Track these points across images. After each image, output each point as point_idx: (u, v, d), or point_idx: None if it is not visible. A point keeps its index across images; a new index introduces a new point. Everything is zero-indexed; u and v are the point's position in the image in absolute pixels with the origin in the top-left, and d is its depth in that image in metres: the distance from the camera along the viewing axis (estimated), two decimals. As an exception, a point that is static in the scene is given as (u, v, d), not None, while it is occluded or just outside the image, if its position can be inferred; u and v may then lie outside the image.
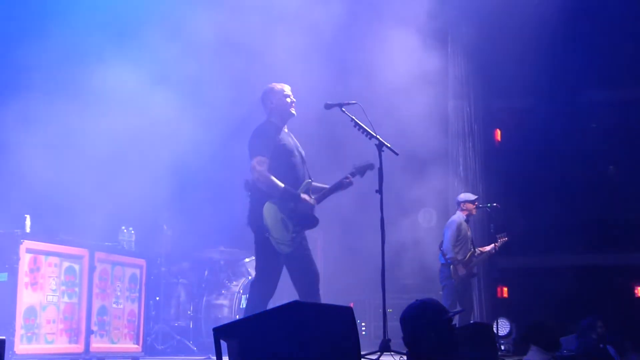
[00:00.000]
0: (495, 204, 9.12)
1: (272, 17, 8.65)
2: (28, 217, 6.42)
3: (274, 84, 6.00)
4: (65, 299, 6.60)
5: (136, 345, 7.47)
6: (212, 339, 3.89)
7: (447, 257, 8.84)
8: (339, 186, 5.93)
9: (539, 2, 10.06)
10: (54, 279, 6.48)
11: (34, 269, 6.29)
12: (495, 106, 12.55)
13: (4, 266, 6.11)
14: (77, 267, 6.74)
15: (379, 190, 5.82)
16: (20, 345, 6.06)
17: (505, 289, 11.27)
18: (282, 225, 5.64)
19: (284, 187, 5.62)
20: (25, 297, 6.17)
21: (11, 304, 6.04)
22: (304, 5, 8.49)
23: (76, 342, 6.69)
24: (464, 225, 8.98)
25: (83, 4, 7.83)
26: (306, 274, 5.74)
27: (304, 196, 5.71)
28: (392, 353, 5.51)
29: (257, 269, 5.87)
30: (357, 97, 6.09)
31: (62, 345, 6.54)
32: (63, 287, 6.58)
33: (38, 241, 6.38)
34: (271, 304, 5.52)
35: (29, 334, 6.18)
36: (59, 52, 7.36)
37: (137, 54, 7.83)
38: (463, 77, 11.45)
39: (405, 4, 9.19)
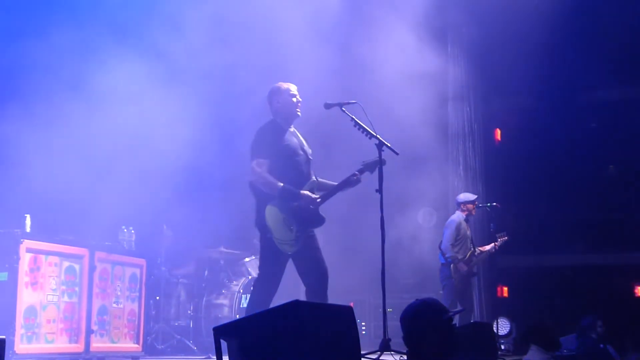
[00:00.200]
0: (495, 204, 9.13)
1: (272, 17, 8.65)
2: (28, 216, 6.42)
3: (280, 83, 5.99)
4: (66, 298, 6.60)
5: (136, 345, 7.47)
6: (212, 339, 3.89)
7: (446, 256, 8.84)
8: (347, 183, 5.89)
9: (539, 2, 10.07)
10: (54, 279, 6.48)
11: (34, 268, 6.29)
12: (495, 106, 12.55)
13: (4, 266, 6.11)
14: (77, 266, 6.74)
15: (379, 190, 5.82)
16: (20, 345, 6.06)
17: (505, 289, 11.28)
18: (284, 226, 5.64)
19: (282, 186, 5.62)
20: (26, 297, 6.17)
21: (11, 304, 6.04)
22: (303, 5, 8.49)
23: (76, 341, 6.69)
24: (464, 225, 8.98)
25: (84, 2, 7.82)
26: (313, 272, 5.74)
27: (305, 192, 5.70)
28: (392, 352, 5.51)
29: (260, 267, 5.89)
30: (357, 96, 6.09)
31: (62, 344, 6.54)
32: (63, 287, 6.58)
33: (38, 241, 6.38)
34: (271, 304, 5.52)
35: (29, 334, 6.18)
36: (60, 50, 7.36)
37: (137, 52, 7.82)
38: (463, 76, 11.45)
39: (405, 4, 9.18)
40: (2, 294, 6.05)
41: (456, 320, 8.20)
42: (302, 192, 5.69)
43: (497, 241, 9.00)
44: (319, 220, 5.79)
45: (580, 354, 8.16)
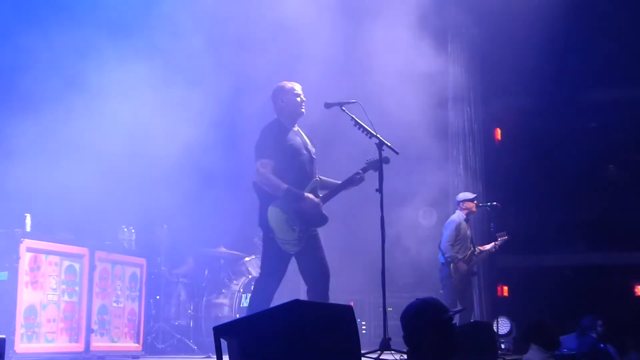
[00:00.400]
0: (495, 203, 9.12)
1: (271, 16, 8.65)
2: (28, 216, 6.42)
3: (284, 82, 5.97)
4: (66, 297, 6.60)
5: (136, 344, 7.48)
6: (212, 338, 3.89)
7: (446, 256, 8.84)
8: (350, 182, 5.90)
9: (539, 2, 10.07)
10: (54, 278, 6.48)
11: (34, 267, 6.29)
12: (496, 106, 12.55)
13: (4, 265, 6.11)
14: (77, 266, 6.75)
15: (379, 189, 5.82)
16: (20, 344, 6.06)
17: (505, 288, 11.28)
18: (287, 226, 5.65)
19: (286, 188, 5.62)
20: (26, 296, 6.18)
21: (11, 303, 6.05)
22: (302, 4, 8.49)
23: (76, 341, 6.69)
24: (463, 224, 8.98)
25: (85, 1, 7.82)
26: (315, 272, 5.75)
27: (308, 195, 5.71)
28: (392, 352, 5.51)
29: (261, 267, 5.89)
30: (357, 96, 6.09)
31: (63, 344, 6.54)
32: (63, 286, 6.58)
33: (38, 240, 6.38)
34: (272, 303, 5.52)
35: (29, 333, 6.19)
36: (61, 49, 7.35)
37: (137, 51, 7.81)
38: (463, 76, 11.45)
39: (405, 3, 9.18)
40: (2, 294, 6.05)
41: (456, 319, 8.22)
42: (305, 194, 5.69)
43: (497, 240, 9.00)
44: (322, 220, 5.79)
45: (580, 353, 8.17)
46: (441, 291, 9.10)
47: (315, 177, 5.86)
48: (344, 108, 5.98)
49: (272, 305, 5.31)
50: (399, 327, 3.93)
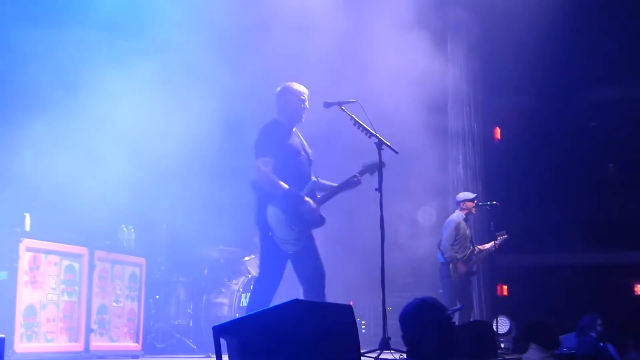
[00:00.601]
0: (494, 202, 9.13)
1: (270, 16, 8.65)
2: (27, 215, 6.41)
3: (293, 83, 5.95)
4: (65, 297, 6.60)
5: (136, 344, 7.47)
6: (211, 338, 3.89)
7: (445, 256, 8.84)
8: (347, 185, 5.92)
9: (539, 1, 10.07)
10: (53, 278, 6.48)
11: (34, 267, 6.29)
12: (495, 105, 12.55)
13: (3, 265, 6.10)
14: (76, 265, 6.74)
15: (379, 189, 5.82)
16: (20, 344, 6.06)
17: (505, 287, 11.29)
18: (286, 225, 5.65)
19: (287, 190, 5.62)
20: (25, 296, 6.17)
21: (11, 303, 6.04)
22: (301, 4, 8.49)
23: (76, 340, 6.69)
24: (463, 224, 8.98)
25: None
26: (312, 272, 5.75)
27: (308, 200, 5.72)
28: (391, 351, 5.52)
29: (260, 267, 5.88)
30: (356, 95, 6.09)
31: (62, 343, 6.53)
32: (63, 286, 6.58)
33: (38, 239, 6.37)
34: (271, 303, 5.52)
35: (28, 333, 6.18)
36: (58, 50, 7.35)
37: (136, 51, 7.81)
38: (463, 75, 11.45)
39: (405, 3, 9.18)
40: (1, 293, 6.04)
41: (456, 318, 8.23)
42: (305, 198, 5.69)
43: (496, 240, 9.00)
44: (320, 221, 5.80)
45: (579, 352, 8.17)
46: (441, 291, 9.11)
47: (313, 179, 5.86)
48: (343, 107, 5.98)
49: (271, 305, 5.31)
50: (399, 327, 3.94)
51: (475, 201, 9.16)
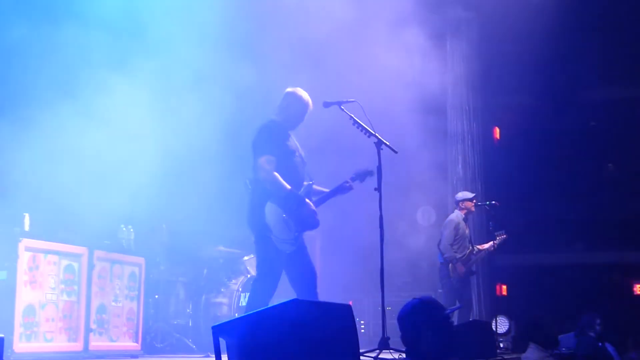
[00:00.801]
0: (494, 202, 9.13)
1: (269, 15, 8.65)
2: (27, 215, 6.41)
3: (303, 92, 5.95)
4: (64, 297, 6.60)
5: (135, 344, 7.48)
6: (211, 337, 3.89)
7: (445, 255, 8.84)
8: (339, 190, 5.96)
9: (539, 1, 10.07)
10: (53, 277, 6.48)
11: (33, 267, 6.29)
12: (494, 104, 12.55)
13: (3, 264, 6.11)
14: (76, 265, 6.75)
15: (378, 188, 5.83)
16: (19, 344, 6.06)
17: (504, 287, 11.29)
18: (285, 224, 5.65)
19: (291, 190, 5.63)
20: (24, 296, 6.17)
21: (10, 303, 6.04)
22: (300, 3, 8.49)
23: (75, 340, 6.69)
24: (462, 224, 8.98)
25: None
26: (305, 273, 5.76)
27: (308, 202, 5.73)
28: (391, 351, 5.52)
29: (258, 268, 5.87)
30: (355, 95, 6.10)
31: (61, 343, 6.53)
32: (62, 286, 6.58)
33: (37, 239, 6.38)
34: (270, 303, 5.52)
35: (28, 333, 6.18)
36: (61, 48, 7.34)
37: (135, 54, 7.81)
38: (462, 75, 11.45)
39: (405, 2, 9.18)
40: (0, 293, 6.05)
41: (455, 318, 8.24)
42: (306, 200, 5.71)
43: (495, 240, 9.00)
44: (316, 223, 5.82)
45: (578, 352, 8.17)
46: (440, 290, 9.12)
47: (308, 181, 5.87)
48: (342, 107, 5.99)
49: (270, 305, 5.31)
50: (398, 327, 3.94)
51: (475, 201, 9.16)
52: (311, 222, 5.78)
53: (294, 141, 5.92)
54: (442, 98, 11.21)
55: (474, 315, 10.00)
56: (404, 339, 3.86)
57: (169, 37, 8.07)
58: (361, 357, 4.92)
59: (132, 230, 7.68)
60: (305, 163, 5.95)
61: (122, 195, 7.41)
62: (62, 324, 6.55)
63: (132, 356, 7.35)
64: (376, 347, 5.58)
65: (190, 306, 8.69)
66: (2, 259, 6.11)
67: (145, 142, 7.68)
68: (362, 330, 10.15)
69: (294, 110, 5.90)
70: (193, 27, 8.21)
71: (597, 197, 13.19)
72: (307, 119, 5.99)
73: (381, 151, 5.92)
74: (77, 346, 6.69)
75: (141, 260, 7.66)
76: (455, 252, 8.83)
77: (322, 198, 5.93)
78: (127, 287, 7.40)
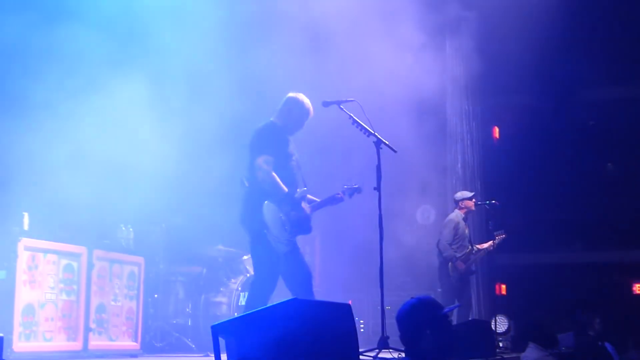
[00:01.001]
0: (493, 201, 9.12)
1: (268, 15, 8.65)
2: (26, 214, 6.41)
3: (304, 98, 5.95)
4: (64, 296, 6.60)
5: (134, 343, 7.48)
6: (210, 337, 3.89)
7: (444, 255, 8.84)
8: (331, 201, 6.02)
9: (538, 0, 10.06)
10: (52, 277, 6.48)
11: (32, 266, 6.29)
12: (493, 103, 12.55)
13: (2, 264, 6.11)
14: (75, 264, 6.75)
15: (378, 188, 5.83)
16: (18, 343, 6.06)
17: (503, 286, 11.29)
18: (281, 225, 5.66)
19: (288, 192, 5.64)
20: (24, 295, 6.17)
21: (9, 302, 6.05)
22: (299, 2, 8.49)
23: (74, 339, 6.69)
24: (462, 223, 8.97)
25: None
26: (300, 273, 5.77)
27: (304, 205, 5.74)
28: (390, 350, 5.52)
29: (256, 268, 5.86)
30: (354, 94, 6.10)
31: (61, 342, 6.54)
32: (61, 285, 6.58)
33: (36, 239, 6.38)
34: (269, 302, 5.51)
35: (27, 332, 6.19)
36: (61, 48, 7.34)
37: (134, 55, 7.81)
38: (461, 74, 11.44)
39: (404, 1, 9.18)
40: (0, 292, 6.04)
41: (454, 317, 8.23)
42: (302, 203, 5.72)
43: (495, 239, 9.00)
44: (309, 229, 5.85)
45: (578, 351, 8.17)
46: (439, 290, 9.11)
47: (304, 187, 5.88)
48: (342, 106, 5.98)
49: (269, 304, 5.31)
50: (397, 326, 3.94)
51: (474, 200, 9.16)
52: (305, 227, 5.81)
53: (292, 146, 5.93)
54: (442, 97, 11.20)
55: (473, 314, 9.99)
56: (403, 338, 3.86)
57: (167, 38, 8.07)
58: (360, 357, 4.92)
59: (131, 229, 7.68)
60: (300, 168, 5.95)
61: (121, 195, 7.41)
62: (61, 324, 6.55)
63: (132, 355, 7.35)
64: (375, 346, 5.58)
65: (190, 305, 8.68)
66: (1, 258, 6.11)
67: (145, 142, 7.68)
68: (362, 330, 10.15)
69: (295, 116, 5.90)
70: (189, 31, 8.22)
71: (597, 197, 13.19)
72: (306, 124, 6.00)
73: (380, 150, 5.91)
74: (77, 345, 6.70)
75: (140, 259, 7.66)
76: (455, 251, 8.83)
77: (314, 207, 5.96)
78: (126, 286, 7.40)
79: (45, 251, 6.45)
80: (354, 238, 9.84)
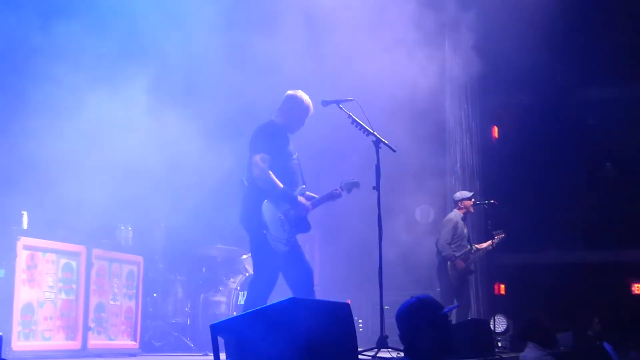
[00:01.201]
0: (492, 201, 9.13)
1: (268, 16, 8.65)
2: (25, 213, 6.41)
3: (304, 96, 5.93)
4: (63, 295, 6.60)
5: (133, 342, 7.48)
6: (209, 336, 3.90)
7: (443, 254, 8.84)
8: (330, 197, 5.97)
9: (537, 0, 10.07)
10: (51, 276, 6.48)
11: (31, 265, 6.29)
12: (493, 103, 12.55)
13: (1, 263, 6.12)
14: (74, 263, 6.75)
15: (376, 187, 5.83)
16: (17, 342, 6.07)
17: (502, 286, 11.29)
18: (280, 224, 5.65)
19: (283, 188, 5.62)
20: (23, 294, 6.18)
21: (8, 301, 6.05)
22: (299, 2, 8.49)
23: (73, 338, 6.69)
24: (461, 223, 8.97)
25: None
26: (301, 272, 5.75)
27: (301, 199, 5.73)
28: (389, 349, 5.52)
29: (255, 268, 5.86)
30: (353, 93, 6.09)
31: (60, 341, 6.54)
32: (60, 284, 6.58)
33: (35, 238, 6.38)
34: (269, 302, 5.51)
35: (26, 331, 6.19)
36: (61, 48, 7.33)
37: (133, 57, 7.80)
38: (460, 73, 11.44)
39: (404, 0, 9.18)
40: (-1, 292, 6.06)
41: (453, 317, 8.24)
42: (299, 198, 5.71)
43: (494, 239, 9.00)
44: (308, 227, 5.84)
45: (576, 351, 8.18)
46: (438, 289, 9.11)
47: (302, 185, 5.88)
48: (341, 106, 5.98)
49: (268, 304, 5.31)
50: (396, 325, 3.94)
51: (473, 200, 9.16)
52: (303, 225, 5.80)
53: (291, 145, 5.93)
54: (441, 97, 11.20)
55: (472, 314, 10.00)
56: (402, 337, 3.86)
57: (163, 40, 8.07)
58: (359, 356, 4.93)
59: (130, 229, 7.68)
60: (300, 166, 5.95)
61: (120, 194, 7.41)
62: (60, 323, 6.55)
63: (131, 354, 7.35)
64: (374, 345, 5.58)
65: (189, 305, 8.69)
66: (0, 257, 6.11)
67: (144, 141, 7.67)
68: (360, 329, 10.14)
69: (295, 113, 5.90)
70: (185, 32, 8.22)
71: (595, 197, 13.20)
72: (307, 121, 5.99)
73: (380, 150, 5.91)
74: (76, 344, 6.70)
75: (139, 258, 7.66)
76: (454, 251, 8.83)
77: (313, 204, 5.94)
78: (125, 285, 7.40)
79: (45, 250, 6.45)
80: (353, 237, 9.84)
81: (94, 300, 6.94)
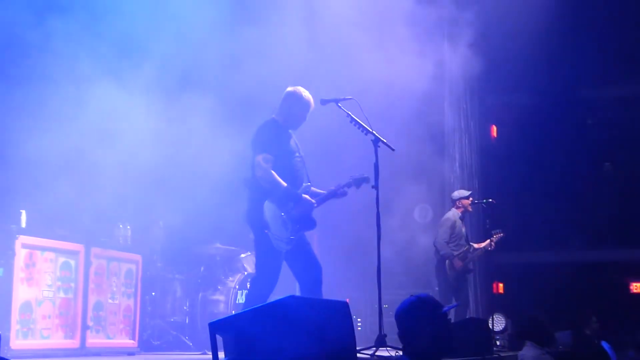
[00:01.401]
0: (491, 200, 9.13)
1: (266, 14, 8.64)
2: (24, 212, 6.40)
3: (304, 92, 5.94)
4: (61, 294, 6.60)
5: (132, 341, 7.47)
6: (208, 335, 3.89)
7: (441, 253, 8.85)
8: (334, 194, 5.97)
9: (537, -1, 10.09)
10: (49, 274, 6.47)
11: (30, 264, 6.28)
12: (491, 102, 12.56)
13: (-1, 261, 6.11)
14: (72, 262, 6.74)
15: (375, 186, 5.83)
16: (16, 341, 6.06)
17: (500, 285, 11.30)
18: (282, 223, 5.66)
19: (286, 187, 5.63)
20: (21, 293, 6.17)
21: (7, 300, 6.04)
22: (299, 2, 8.49)
23: (72, 337, 6.69)
24: (459, 222, 8.98)
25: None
26: (309, 268, 5.77)
27: (305, 196, 5.73)
28: (387, 348, 5.52)
29: (257, 266, 5.87)
30: (352, 92, 6.09)
31: (58, 340, 6.53)
32: (59, 283, 6.57)
33: (34, 236, 6.37)
34: (268, 300, 5.52)
35: (24, 329, 6.18)
36: (60, 47, 7.32)
37: (132, 58, 7.80)
38: (459, 73, 11.44)
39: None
40: (-3, 290, 6.05)
41: (452, 316, 8.25)
42: (302, 195, 5.71)
43: (492, 238, 9.01)
44: (312, 224, 5.84)
45: (575, 350, 8.19)
46: (437, 288, 9.12)
47: (307, 182, 5.88)
48: (340, 104, 5.98)
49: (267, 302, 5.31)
50: (395, 324, 3.94)
51: (471, 199, 9.17)
52: (308, 222, 5.79)
53: (294, 142, 5.92)
54: (440, 96, 11.20)
55: (471, 313, 10.00)
56: (401, 336, 3.86)
57: (163, 40, 8.07)
58: (358, 355, 4.93)
59: (128, 227, 7.67)
60: (304, 164, 5.95)
61: (118, 193, 7.40)
62: (58, 321, 6.54)
63: (129, 353, 7.35)
64: (373, 344, 5.58)
65: (187, 303, 8.68)
66: (-1, 256, 6.10)
67: (143, 139, 7.67)
68: (359, 328, 10.15)
69: (296, 110, 5.90)
70: (184, 30, 8.22)
71: (594, 195, 13.22)
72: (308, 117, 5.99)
73: (378, 148, 5.91)
74: (74, 343, 6.69)
75: (138, 257, 7.66)
76: (452, 250, 8.84)
77: (319, 200, 5.94)
78: (123, 284, 7.40)
79: (43, 249, 6.44)
80: (352, 236, 9.84)
81: (92, 299, 6.93)
